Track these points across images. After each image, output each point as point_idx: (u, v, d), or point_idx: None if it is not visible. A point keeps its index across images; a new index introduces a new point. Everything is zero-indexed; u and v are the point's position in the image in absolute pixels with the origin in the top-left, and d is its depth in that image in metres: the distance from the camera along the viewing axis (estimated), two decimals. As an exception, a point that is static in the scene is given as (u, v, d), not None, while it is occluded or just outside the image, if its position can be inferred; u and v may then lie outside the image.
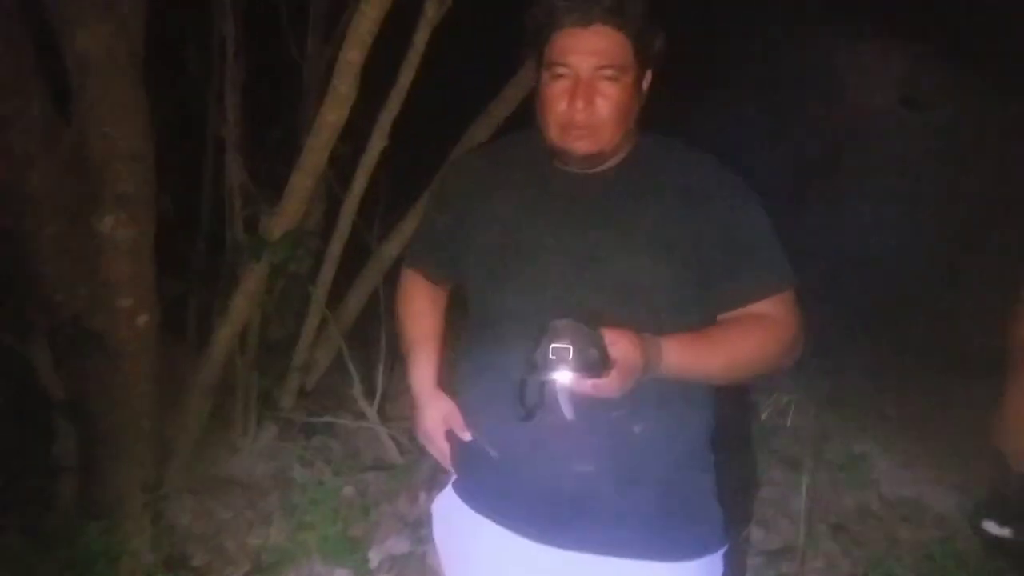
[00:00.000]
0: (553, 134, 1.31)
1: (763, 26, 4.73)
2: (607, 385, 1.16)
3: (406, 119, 2.43)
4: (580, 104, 1.26)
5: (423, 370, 1.50)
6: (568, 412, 1.19)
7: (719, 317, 1.35)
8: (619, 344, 1.17)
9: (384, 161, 2.50)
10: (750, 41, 4.83)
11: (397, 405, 3.10)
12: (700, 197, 1.32)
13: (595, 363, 1.15)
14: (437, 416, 1.47)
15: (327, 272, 2.65)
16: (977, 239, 4.36)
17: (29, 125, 1.98)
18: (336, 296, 2.93)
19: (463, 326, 1.46)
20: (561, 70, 1.27)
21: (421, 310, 1.55)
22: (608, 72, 1.26)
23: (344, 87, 2.03)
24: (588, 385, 1.15)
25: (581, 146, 1.30)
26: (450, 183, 1.50)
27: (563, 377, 1.13)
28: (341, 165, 2.67)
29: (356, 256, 2.92)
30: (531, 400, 1.22)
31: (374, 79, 2.30)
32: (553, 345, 1.13)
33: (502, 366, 1.30)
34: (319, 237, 2.89)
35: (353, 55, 1.99)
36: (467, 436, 1.41)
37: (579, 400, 1.18)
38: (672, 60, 1.36)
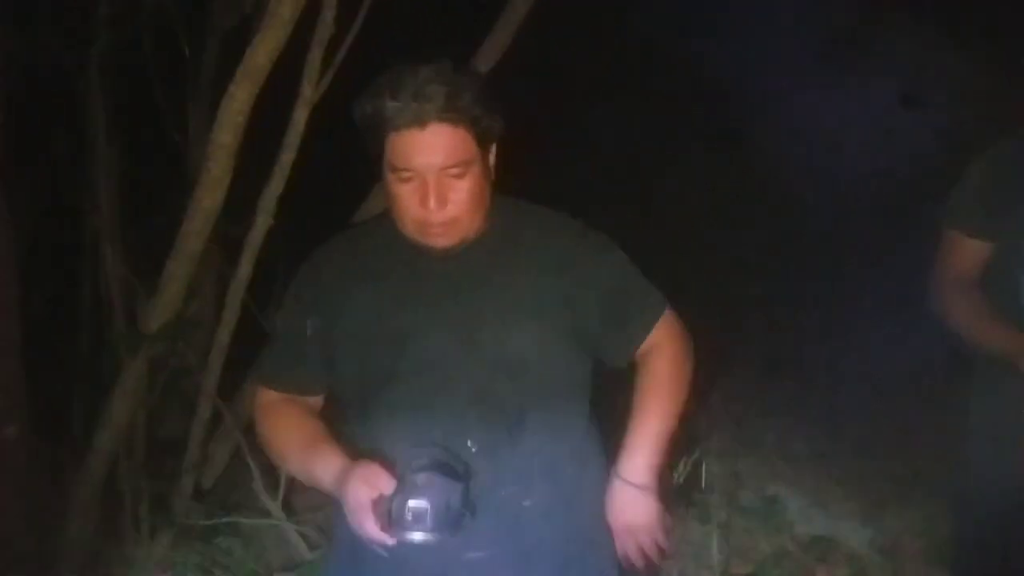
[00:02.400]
0: (410, 231, 1.28)
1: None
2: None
3: (302, 193, 2.38)
4: (433, 205, 1.23)
5: (331, 460, 1.28)
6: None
7: (637, 357, 1.41)
8: (613, 509, 1.35)
9: (278, 239, 2.43)
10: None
11: (303, 497, 2.95)
12: (564, 258, 1.34)
13: (455, 520, 1.12)
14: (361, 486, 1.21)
15: (216, 361, 2.52)
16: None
17: None
18: (233, 385, 2.80)
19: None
20: (406, 174, 1.23)
21: (299, 419, 1.39)
22: (454, 171, 1.23)
23: (217, 170, 1.98)
24: (444, 542, 1.12)
25: (441, 242, 1.28)
26: (306, 286, 1.41)
27: (419, 537, 1.11)
28: (231, 248, 2.59)
29: (253, 341, 2.81)
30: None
31: (264, 156, 2.26)
32: (410, 503, 1.10)
33: (392, 462, 1.24)
34: (210, 326, 2.77)
35: (225, 137, 1.95)
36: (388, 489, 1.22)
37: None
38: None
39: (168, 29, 2.52)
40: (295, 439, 1.35)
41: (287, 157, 2.23)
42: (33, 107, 2.44)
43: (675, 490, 3.07)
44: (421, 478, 1.11)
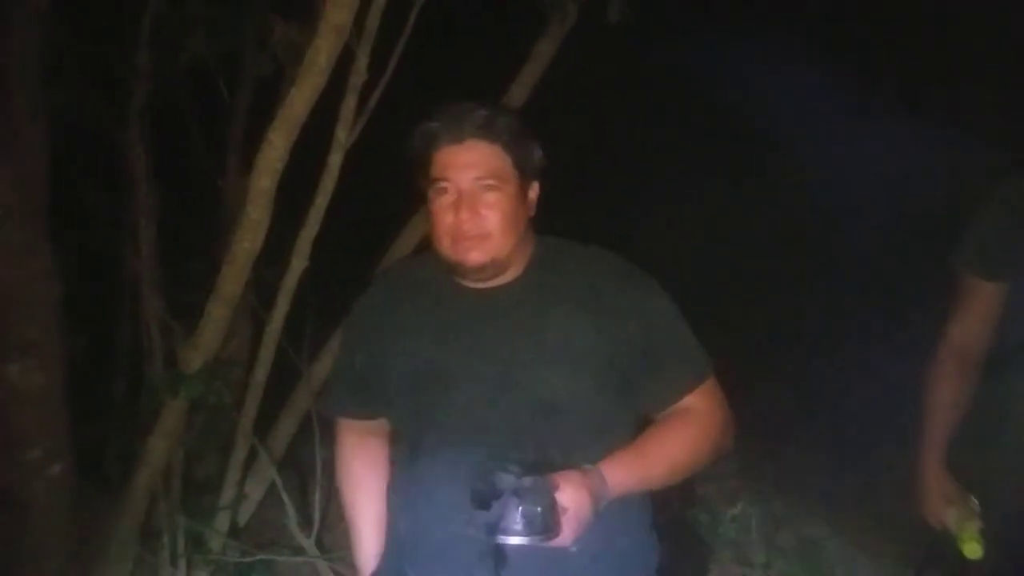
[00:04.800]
0: (445, 246, 1.34)
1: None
2: (561, 540, 1.15)
3: (331, 235, 2.42)
4: (465, 215, 1.30)
5: (365, 553, 1.54)
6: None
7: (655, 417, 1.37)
8: (566, 492, 1.16)
9: (309, 280, 2.47)
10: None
11: (337, 535, 2.96)
12: (607, 299, 1.34)
13: (556, 523, 1.11)
14: None
15: (252, 400, 2.56)
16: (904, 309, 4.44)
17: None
18: (267, 424, 2.83)
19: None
20: (443, 184, 1.32)
21: (359, 479, 1.55)
22: (488, 182, 1.31)
23: (256, 214, 2.02)
24: (544, 544, 1.12)
25: (473, 256, 1.32)
26: (357, 323, 1.50)
27: (523, 541, 1.09)
28: (265, 289, 2.63)
29: (286, 380, 2.85)
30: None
31: (297, 199, 2.31)
32: (522, 508, 1.08)
33: (433, 505, 1.29)
34: (244, 365, 2.80)
35: (263, 182, 1.99)
36: None
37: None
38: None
39: (204, 77, 2.60)
40: (351, 505, 1.56)
41: (322, 201, 2.27)
42: (75, 155, 2.51)
43: (712, 526, 3.03)
44: (528, 481, 1.09)
